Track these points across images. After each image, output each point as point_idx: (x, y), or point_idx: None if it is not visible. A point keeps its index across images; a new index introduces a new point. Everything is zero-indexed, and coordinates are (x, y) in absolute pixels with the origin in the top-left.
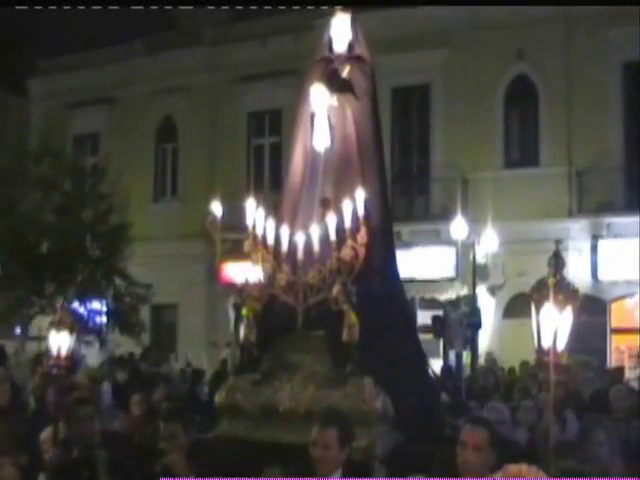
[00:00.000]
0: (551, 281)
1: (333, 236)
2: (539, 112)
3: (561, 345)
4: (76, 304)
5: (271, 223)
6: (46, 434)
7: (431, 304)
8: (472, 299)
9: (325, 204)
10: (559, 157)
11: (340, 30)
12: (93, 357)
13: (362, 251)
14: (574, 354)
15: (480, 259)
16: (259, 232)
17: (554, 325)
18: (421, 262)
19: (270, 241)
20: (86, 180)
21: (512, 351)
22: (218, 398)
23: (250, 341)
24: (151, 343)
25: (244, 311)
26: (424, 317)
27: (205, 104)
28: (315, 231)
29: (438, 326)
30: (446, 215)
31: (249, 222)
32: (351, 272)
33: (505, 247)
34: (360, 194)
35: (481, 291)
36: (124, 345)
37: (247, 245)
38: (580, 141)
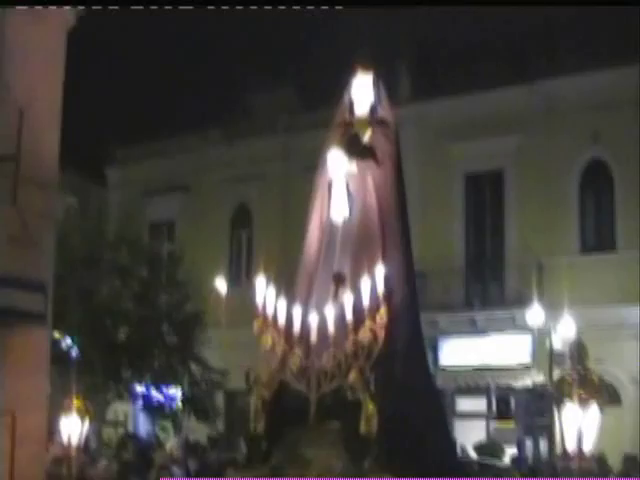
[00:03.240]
0: (571, 376)
1: (349, 316)
2: (615, 195)
3: (587, 446)
4: (152, 389)
5: (283, 302)
6: None
7: (506, 392)
8: (545, 386)
9: (339, 279)
10: (636, 241)
11: (361, 91)
12: (168, 442)
13: (382, 333)
14: None
15: (557, 346)
16: (269, 312)
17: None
18: (496, 349)
19: (281, 322)
20: (162, 267)
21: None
22: None
23: (258, 433)
24: (224, 429)
25: (252, 399)
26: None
27: (279, 191)
28: (330, 311)
29: (504, 408)
30: (521, 301)
31: (259, 301)
32: (369, 356)
33: (582, 333)
34: (380, 270)
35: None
36: (198, 430)
37: (256, 326)
38: None
